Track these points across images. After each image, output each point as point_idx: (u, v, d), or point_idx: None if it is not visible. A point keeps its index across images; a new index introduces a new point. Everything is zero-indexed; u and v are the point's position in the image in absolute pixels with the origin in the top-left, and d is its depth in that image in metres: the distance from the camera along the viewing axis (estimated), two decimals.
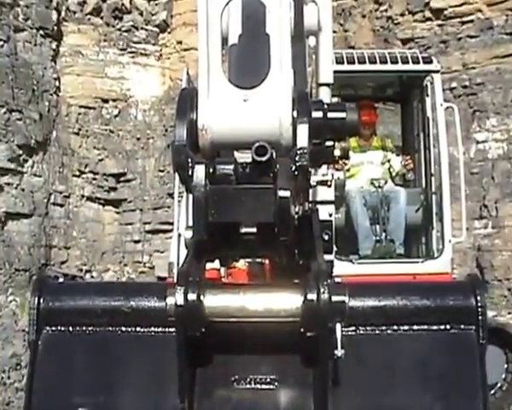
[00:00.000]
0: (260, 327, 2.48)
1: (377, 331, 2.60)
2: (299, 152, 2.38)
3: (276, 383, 2.54)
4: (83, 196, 19.69)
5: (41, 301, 2.62)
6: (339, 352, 2.35)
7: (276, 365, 2.57)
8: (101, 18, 20.55)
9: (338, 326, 2.35)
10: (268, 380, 2.55)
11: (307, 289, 2.32)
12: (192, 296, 2.31)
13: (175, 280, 2.37)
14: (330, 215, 4.12)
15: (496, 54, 17.25)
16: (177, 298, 2.30)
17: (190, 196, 2.37)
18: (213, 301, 2.40)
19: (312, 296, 2.29)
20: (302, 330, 2.37)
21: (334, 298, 2.30)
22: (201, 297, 2.34)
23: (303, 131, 2.41)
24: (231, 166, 2.38)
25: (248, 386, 2.54)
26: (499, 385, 12.05)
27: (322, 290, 2.28)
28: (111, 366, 2.63)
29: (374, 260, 9.31)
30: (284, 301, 2.40)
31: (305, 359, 2.53)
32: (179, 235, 8.10)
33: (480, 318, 2.57)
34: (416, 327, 2.60)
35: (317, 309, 2.27)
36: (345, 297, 2.33)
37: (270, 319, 2.45)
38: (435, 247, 9.57)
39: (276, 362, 2.58)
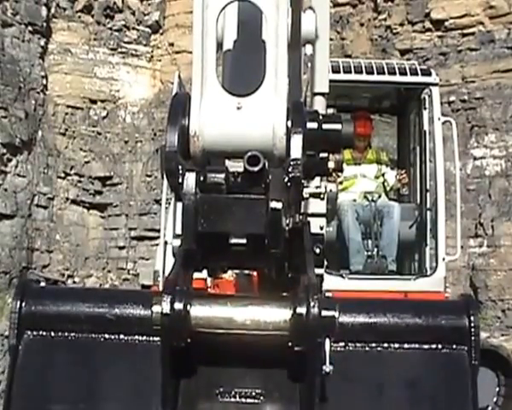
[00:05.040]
0: (247, 340, 2.42)
1: (367, 348, 2.56)
2: (292, 163, 2.37)
3: (261, 398, 2.50)
4: (67, 199, 19.67)
5: (23, 304, 2.59)
6: (327, 367, 2.30)
7: (262, 379, 2.52)
8: (92, 16, 20.60)
9: (327, 341, 2.32)
10: (253, 394, 2.50)
11: (297, 302, 2.28)
12: (179, 306, 2.28)
13: (162, 288, 2.35)
14: (321, 228, 4.07)
15: (496, 68, 17.38)
16: (163, 307, 2.26)
17: (179, 204, 2.37)
18: (200, 311, 2.35)
19: (302, 310, 2.26)
20: (290, 344, 2.32)
21: (324, 313, 2.26)
22: (188, 307, 2.31)
23: (297, 141, 2.40)
24: (222, 175, 2.35)
25: (233, 400, 2.49)
26: (490, 409, 11.88)
27: (311, 304, 2.25)
28: (92, 373, 2.59)
29: (365, 275, 9.08)
30: (273, 315, 2.36)
31: (292, 374, 2.48)
32: (165, 243, 7.96)
33: (472, 338, 2.55)
34: (407, 346, 2.56)
35: (306, 323, 2.25)
36: (335, 312, 2.29)
37: (258, 332, 2.39)
38: (428, 264, 9.36)
39: (262, 376, 2.53)
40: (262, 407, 2.50)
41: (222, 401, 2.49)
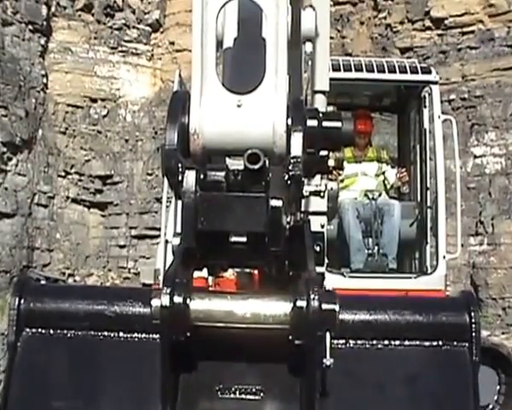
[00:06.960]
0: (247, 335, 2.41)
1: (368, 345, 2.54)
2: (292, 161, 2.37)
3: (261, 394, 2.48)
4: (68, 198, 19.66)
5: (22, 301, 2.56)
6: (327, 361, 2.28)
7: (263, 375, 2.51)
8: (92, 15, 20.58)
9: (327, 335, 2.30)
10: (254, 390, 2.49)
11: (297, 295, 2.28)
12: (178, 299, 2.26)
13: (161, 282, 2.34)
14: (322, 226, 4.06)
15: (496, 66, 17.40)
16: (162, 299, 2.25)
17: (179, 202, 2.36)
18: (200, 304, 2.34)
19: (302, 303, 2.25)
20: (290, 337, 2.31)
21: (325, 306, 2.26)
22: (188, 300, 2.29)
23: (297, 139, 2.40)
24: (222, 173, 2.36)
25: (233, 396, 2.48)
26: (491, 407, 11.79)
27: (312, 298, 2.24)
28: (91, 371, 2.57)
29: (365, 274, 9.09)
30: (273, 308, 2.35)
31: (292, 369, 2.47)
32: (166, 241, 7.96)
33: (473, 335, 2.53)
34: (407, 343, 2.54)
35: (306, 317, 2.24)
36: (335, 306, 2.29)
37: (258, 325, 2.38)
38: (429, 263, 9.34)
39: (262, 372, 2.51)
40: (262, 403, 2.48)
41: (222, 398, 2.48)
